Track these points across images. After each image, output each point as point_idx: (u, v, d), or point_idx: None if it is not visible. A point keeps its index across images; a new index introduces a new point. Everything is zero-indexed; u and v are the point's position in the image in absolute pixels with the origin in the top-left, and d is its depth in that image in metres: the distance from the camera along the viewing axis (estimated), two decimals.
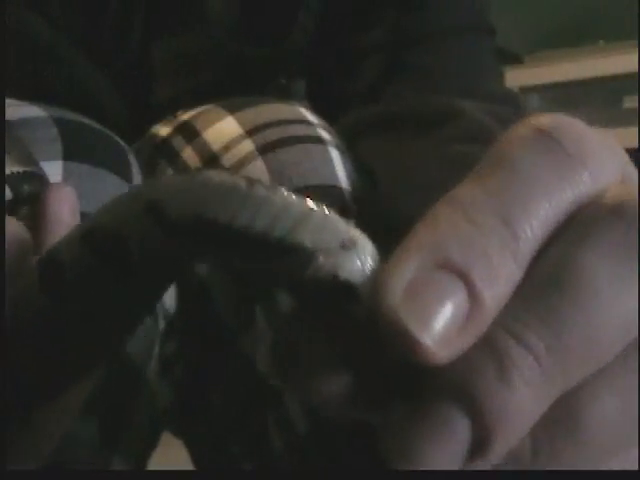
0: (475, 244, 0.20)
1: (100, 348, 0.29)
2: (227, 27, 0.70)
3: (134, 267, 0.24)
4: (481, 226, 0.21)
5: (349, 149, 0.60)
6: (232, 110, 0.60)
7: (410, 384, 0.21)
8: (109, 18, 0.67)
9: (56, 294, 0.26)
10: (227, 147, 0.57)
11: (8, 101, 0.55)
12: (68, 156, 0.53)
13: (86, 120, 0.58)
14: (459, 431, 0.20)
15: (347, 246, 0.20)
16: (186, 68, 0.71)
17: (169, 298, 0.56)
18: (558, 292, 0.21)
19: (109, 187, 0.52)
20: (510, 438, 0.20)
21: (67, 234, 0.26)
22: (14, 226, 0.28)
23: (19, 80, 0.66)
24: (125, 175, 0.55)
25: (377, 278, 0.20)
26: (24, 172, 0.36)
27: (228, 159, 0.56)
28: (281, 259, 0.20)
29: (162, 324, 0.55)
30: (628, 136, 1.77)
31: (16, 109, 0.56)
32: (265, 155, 0.56)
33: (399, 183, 0.55)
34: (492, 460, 0.20)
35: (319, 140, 0.58)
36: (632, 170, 0.24)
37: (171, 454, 0.71)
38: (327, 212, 0.20)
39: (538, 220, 0.21)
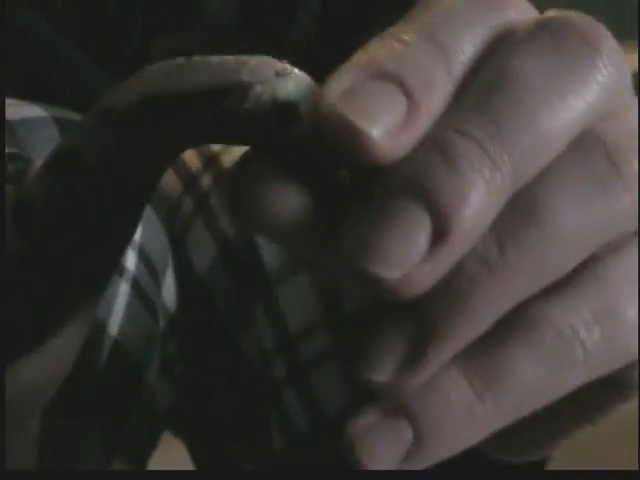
0: (407, 57, 0.22)
1: (86, 286, 0.29)
2: (225, 26, 0.70)
3: (95, 178, 0.24)
4: (412, 44, 0.22)
5: None
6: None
7: (364, 189, 0.21)
8: (110, 17, 0.67)
9: (31, 235, 0.26)
10: (227, 146, 0.57)
11: (8, 101, 0.55)
12: None
13: None
14: (417, 221, 0.20)
15: (282, 74, 0.22)
16: None
17: (169, 297, 0.56)
18: (495, 91, 0.22)
19: None
20: (468, 227, 0.21)
21: (35, 171, 0.26)
22: None
23: (19, 80, 0.66)
24: None
25: (317, 93, 0.21)
26: (10, 153, 0.36)
27: (229, 159, 0.56)
28: (224, 103, 0.22)
29: (162, 323, 0.55)
30: None
31: (16, 109, 0.55)
32: None
33: None
34: (453, 253, 0.21)
35: None
36: None
37: (171, 454, 0.71)
38: (260, 56, 0.22)
39: (466, 41, 0.22)
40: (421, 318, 0.21)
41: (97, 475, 0.51)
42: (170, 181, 0.56)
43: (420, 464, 0.23)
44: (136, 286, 0.53)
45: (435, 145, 0.21)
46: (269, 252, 0.52)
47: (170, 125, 0.23)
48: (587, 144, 0.22)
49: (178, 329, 0.56)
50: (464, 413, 0.22)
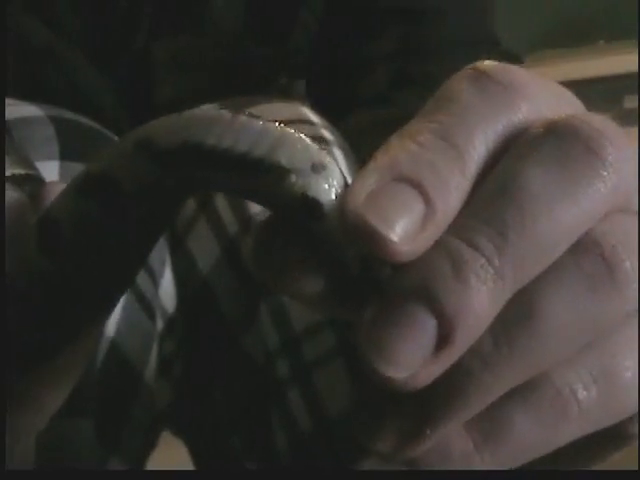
0: (424, 160, 0.23)
1: (100, 304, 0.30)
2: (229, 27, 0.70)
3: (129, 205, 0.25)
4: (428, 146, 0.23)
5: (353, 150, 0.60)
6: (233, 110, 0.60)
7: (376, 287, 0.23)
8: (116, 18, 0.67)
9: (55, 253, 0.26)
10: None
11: (6, 100, 0.55)
12: (65, 156, 0.53)
13: (83, 120, 0.58)
14: (425, 326, 0.22)
15: (317, 169, 0.23)
16: (187, 68, 0.71)
17: (168, 298, 0.56)
18: (502, 199, 0.23)
19: None
20: (470, 332, 0.22)
21: (62, 191, 0.26)
22: (12, 191, 0.28)
23: (17, 81, 0.66)
24: None
25: (342, 195, 0.23)
26: (26, 174, 0.36)
27: None
28: (259, 177, 0.23)
29: (160, 324, 0.55)
30: (628, 136, 1.77)
31: (13, 108, 0.55)
32: None
33: None
34: (455, 354, 0.22)
35: (322, 140, 0.58)
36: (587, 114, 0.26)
37: (171, 454, 0.71)
38: (302, 136, 0.23)
39: (479, 140, 0.24)
40: (421, 404, 0.23)
41: (97, 475, 0.51)
42: None
43: None
44: (133, 287, 0.53)
45: (445, 252, 0.23)
46: None
47: (206, 176, 0.24)
48: (584, 248, 0.24)
49: (176, 329, 0.56)
50: (461, 462, 0.24)
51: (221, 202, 0.55)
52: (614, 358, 0.24)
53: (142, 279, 0.53)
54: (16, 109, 0.55)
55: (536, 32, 2.22)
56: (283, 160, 0.23)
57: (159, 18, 0.68)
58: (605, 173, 0.24)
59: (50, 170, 0.51)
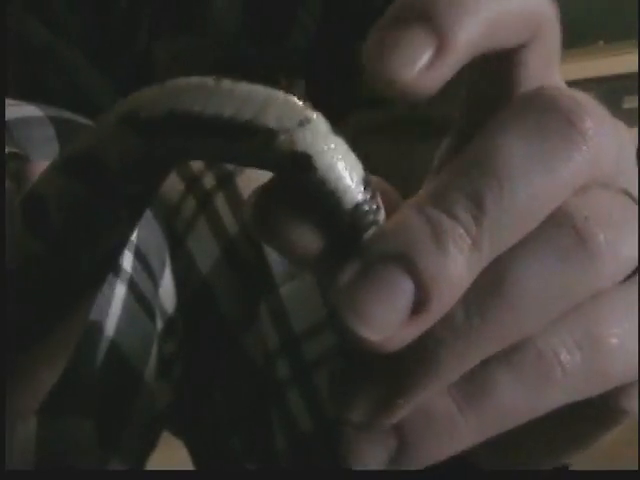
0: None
1: (88, 280, 0.30)
2: (228, 27, 0.70)
3: (115, 183, 0.25)
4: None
5: (353, 150, 0.60)
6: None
7: (358, 247, 0.23)
8: (116, 18, 0.67)
9: (42, 231, 0.26)
10: None
11: (6, 101, 0.55)
12: None
13: (83, 120, 0.58)
14: (402, 289, 0.22)
15: (303, 123, 0.23)
16: (187, 68, 0.71)
17: (168, 298, 0.56)
18: (481, 170, 0.23)
19: None
20: (446, 298, 0.23)
21: (46, 169, 0.26)
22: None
23: (17, 81, 0.66)
24: None
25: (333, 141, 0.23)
26: (13, 153, 0.36)
27: None
28: (248, 141, 0.23)
29: (160, 324, 0.55)
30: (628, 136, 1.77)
31: (13, 108, 0.55)
32: None
33: (401, 185, 0.55)
34: (430, 319, 0.23)
35: None
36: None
37: (171, 454, 0.71)
38: (288, 96, 0.23)
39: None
40: (394, 373, 0.24)
41: (97, 475, 0.51)
42: (170, 181, 0.56)
43: (405, 467, 0.25)
44: (133, 287, 0.53)
45: (427, 222, 0.23)
46: (274, 252, 0.52)
47: (195, 144, 0.24)
48: (556, 220, 0.24)
49: (176, 329, 0.56)
50: (446, 425, 0.24)
51: (221, 202, 0.55)
52: (599, 325, 0.24)
53: (142, 279, 0.53)
54: (16, 109, 0.55)
55: None
56: (271, 122, 0.23)
57: (159, 18, 0.68)
58: (584, 146, 0.24)
59: None
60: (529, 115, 0.24)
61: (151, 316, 0.54)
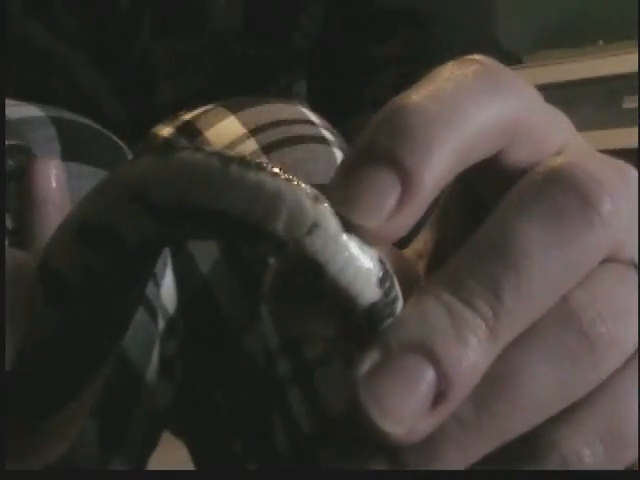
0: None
1: (108, 343, 0.30)
2: (229, 28, 0.70)
3: (131, 253, 0.25)
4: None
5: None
6: (234, 110, 0.60)
7: (377, 337, 0.23)
8: (117, 20, 0.67)
9: (61, 303, 0.26)
10: (230, 147, 0.57)
11: (6, 101, 0.55)
12: (66, 156, 0.53)
13: (84, 120, 0.58)
14: (425, 379, 0.22)
15: (312, 231, 0.22)
16: (187, 69, 0.71)
17: (169, 299, 0.56)
18: (497, 257, 0.23)
19: None
20: (464, 389, 0.23)
21: (56, 234, 0.26)
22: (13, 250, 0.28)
23: (18, 82, 0.66)
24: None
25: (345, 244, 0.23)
26: (16, 145, 0.36)
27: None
28: (258, 242, 0.23)
29: (162, 324, 0.55)
30: (628, 136, 1.77)
31: (14, 109, 0.56)
32: (269, 155, 0.55)
33: None
34: (449, 410, 0.23)
35: (323, 140, 0.58)
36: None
37: (171, 454, 0.71)
38: (298, 191, 0.22)
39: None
40: (398, 462, 0.23)
41: (97, 475, 0.51)
42: None
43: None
44: None
45: (447, 312, 0.23)
46: None
47: (206, 234, 0.24)
48: (564, 320, 0.24)
49: (177, 329, 0.56)
50: None
51: None
52: (614, 418, 0.24)
53: None
54: (17, 110, 0.55)
55: (536, 32, 2.22)
56: (279, 229, 0.22)
57: (160, 19, 0.68)
58: (603, 228, 0.24)
59: None
60: (545, 195, 0.24)
61: (153, 316, 0.54)
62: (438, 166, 0.23)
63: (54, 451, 0.33)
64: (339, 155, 0.57)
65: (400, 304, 0.24)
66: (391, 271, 0.23)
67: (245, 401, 0.55)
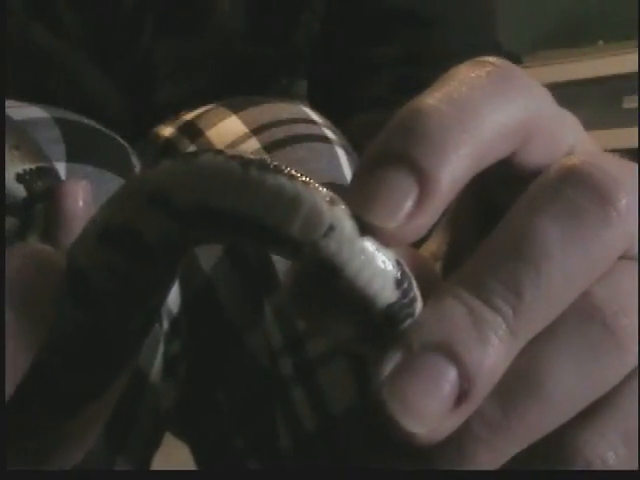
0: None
1: (131, 344, 0.30)
2: (233, 27, 0.70)
3: (154, 255, 0.25)
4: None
5: (355, 150, 0.60)
6: (236, 110, 0.60)
7: (397, 338, 0.23)
8: (120, 19, 0.67)
9: (87, 302, 0.27)
10: (232, 146, 0.57)
11: (8, 102, 0.55)
12: (71, 157, 0.54)
13: (87, 121, 0.58)
14: (448, 378, 0.22)
15: (328, 233, 0.22)
16: (189, 68, 0.71)
17: (173, 299, 0.56)
18: (516, 256, 0.23)
19: (112, 188, 0.52)
20: (486, 387, 0.23)
21: (79, 238, 0.26)
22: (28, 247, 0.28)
23: (21, 82, 0.66)
24: (128, 176, 0.55)
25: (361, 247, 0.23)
26: (37, 168, 0.36)
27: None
28: (276, 246, 0.23)
29: (166, 324, 0.55)
30: (628, 136, 1.77)
31: (17, 110, 0.56)
32: (272, 154, 0.56)
33: None
34: (471, 408, 0.23)
35: (325, 139, 0.58)
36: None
37: (171, 454, 0.71)
38: (315, 194, 0.22)
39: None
40: (430, 465, 0.24)
41: (98, 475, 0.51)
42: None
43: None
44: None
45: (468, 312, 0.23)
46: None
47: (226, 237, 0.25)
48: (587, 314, 0.24)
49: (181, 330, 0.56)
50: None
51: None
52: (634, 418, 0.25)
53: None
54: (21, 111, 0.55)
55: (536, 32, 2.22)
56: (296, 232, 0.22)
57: (162, 19, 0.68)
58: (620, 225, 0.24)
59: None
60: (562, 194, 0.24)
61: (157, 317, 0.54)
62: (455, 167, 0.23)
63: (73, 455, 0.33)
64: (341, 153, 0.57)
65: (419, 305, 0.24)
66: (409, 272, 0.23)
67: (247, 399, 0.55)
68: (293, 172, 0.22)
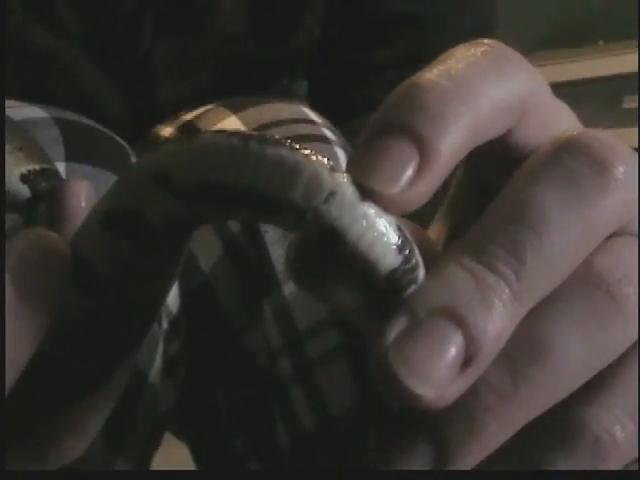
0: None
1: (137, 330, 0.30)
2: (233, 27, 0.70)
3: (157, 236, 0.26)
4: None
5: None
6: (235, 110, 0.60)
7: (402, 303, 0.24)
8: (120, 20, 0.67)
9: (90, 288, 0.27)
10: None
11: (8, 102, 0.55)
12: (70, 157, 0.54)
13: (87, 121, 0.58)
14: (454, 342, 0.23)
15: (329, 198, 0.23)
16: (189, 68, 0.71)
17: (172, 299, 0.56)
18: (517, 222, 0.24)
19: None
20: (492, 351, 0.23)
21: (82, 227, 0.26)
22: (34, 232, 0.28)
23: (20, 83, 0.66)
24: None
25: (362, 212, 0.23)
26: (41, 169, 0.36)
27: None
28: (278, 215, 0.23)
29: (165, 325, 0.55)
30: (628, 136, 1.77)
31: (17, 110, 0.56)
32: None
33: None
34: (478, 372, 0.23)
35: (325, 139, 0.58)
36: None
37: (171, 454, 0.71)
38: (315, 162, 0.23)
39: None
40: (440, 439, 0.24)
41: (98, 475, 0.51)
42: None
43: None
44: None
45: (471, 277, 0.23)
46: (277, 251, 0.52)
47: (229, 212, 0.25)
48: (590, 282, 0.24)
49: (180, 330, 0.56)
50: None
51: None
52: (634, 392, 0.25)
53: None
54: (20, 111, 0.55)
55: (536, 32, 2.22)
56: (298, 199, 0.23)
57: (162, 19, 0.68)
58: (617, 191, 0.24)
59: None
60: (561, 162, 0.25)
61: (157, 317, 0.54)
62: (454, 138, 0.24)
63: (73, 449, 0.33)
64: (341, 154, 0.57)
65: (422, 272, 0.24)
66: (411, 239, 0.24)
67: (246, 399, 0.55)
68: (293, 144, 0.23)
